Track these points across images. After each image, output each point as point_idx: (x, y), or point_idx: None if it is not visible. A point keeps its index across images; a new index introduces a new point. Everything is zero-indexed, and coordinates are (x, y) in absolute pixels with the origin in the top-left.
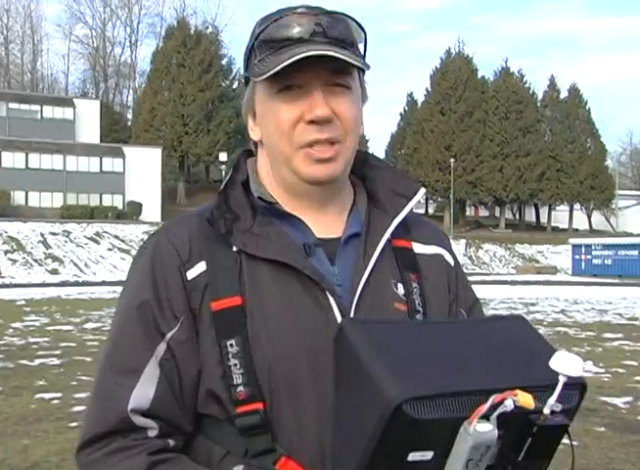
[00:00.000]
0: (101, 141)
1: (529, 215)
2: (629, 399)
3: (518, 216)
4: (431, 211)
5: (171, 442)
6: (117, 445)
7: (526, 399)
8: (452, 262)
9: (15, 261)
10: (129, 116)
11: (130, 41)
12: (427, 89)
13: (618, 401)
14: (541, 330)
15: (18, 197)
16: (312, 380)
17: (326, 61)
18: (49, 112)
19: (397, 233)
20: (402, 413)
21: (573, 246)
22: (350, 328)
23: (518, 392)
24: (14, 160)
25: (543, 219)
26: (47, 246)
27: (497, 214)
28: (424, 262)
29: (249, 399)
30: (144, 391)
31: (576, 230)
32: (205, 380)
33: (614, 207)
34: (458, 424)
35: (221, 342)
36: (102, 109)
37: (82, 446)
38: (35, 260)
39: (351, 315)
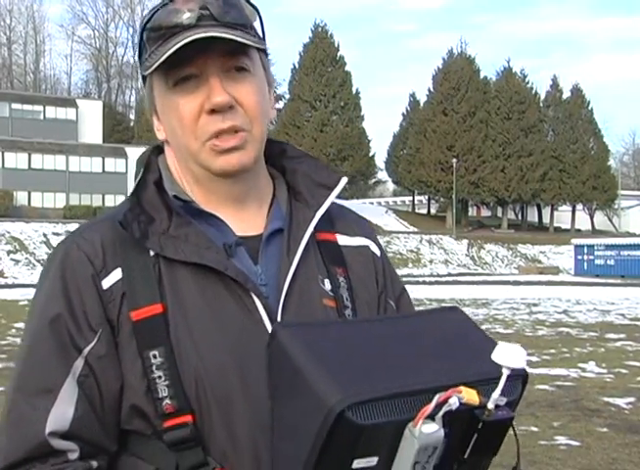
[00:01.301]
0: (103, 141)
1: (532, 216)
2: (632, 399)
3: (520, 217)
4: (433, 211)
5: (94, 463)
6: None
7: (471, 396)
8: (378, 253)
9: (17, 262)
10: (132, 116)
11: (133, 42)
12: (429, 89)
13: (621, 402)
14: (544, 330)
15: (20, 197)
16: (242, 387)
17: (218, 44)
18: (52, 112)
19: (321, 226)
20: (345, 420)
21: (576, 246)
22: (283, 333)
23: (462, 388)
24: (16, 160)
25: (545, 220)
26: (50, 246)
27: (499, 215)
28: (349, 255)
29: (176, 411)
30: (62, 411)
31: (579, 230)
32: (128, 395)
33: (616, 207)
34: (403, 426)
35: (144, 353)
36: (104, 109)
37: None
38: (38, 261)
39: (279, 315)
